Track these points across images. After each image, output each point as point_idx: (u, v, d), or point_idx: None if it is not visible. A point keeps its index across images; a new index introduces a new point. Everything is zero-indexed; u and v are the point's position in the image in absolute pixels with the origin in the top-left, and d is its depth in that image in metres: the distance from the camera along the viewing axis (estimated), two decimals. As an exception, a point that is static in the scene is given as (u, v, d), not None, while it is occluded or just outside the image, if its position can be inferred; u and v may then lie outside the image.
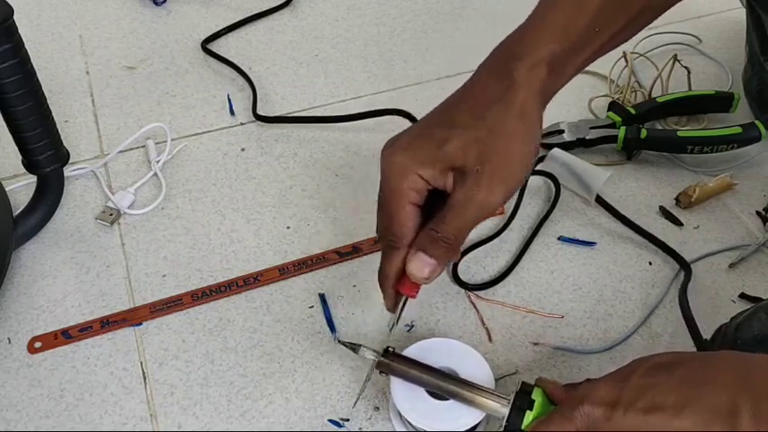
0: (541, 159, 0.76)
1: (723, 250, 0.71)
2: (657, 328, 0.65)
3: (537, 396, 0.52)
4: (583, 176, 0.74)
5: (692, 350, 0.62)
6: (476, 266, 0.70)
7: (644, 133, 0.77)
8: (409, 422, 0.56)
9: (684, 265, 0.68)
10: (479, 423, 0.55)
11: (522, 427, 0.51)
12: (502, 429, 0.52)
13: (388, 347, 0.56)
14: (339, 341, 0.58)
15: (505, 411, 0.52)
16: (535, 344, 0.64)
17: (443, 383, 0.54)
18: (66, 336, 0.64)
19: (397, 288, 0.56)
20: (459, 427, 0.54)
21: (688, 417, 0.43)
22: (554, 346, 0.63)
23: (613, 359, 0.63)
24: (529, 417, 0.51)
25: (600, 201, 0.73)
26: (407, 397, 0.55)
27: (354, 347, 0.56)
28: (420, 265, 0.52)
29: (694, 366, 0.46)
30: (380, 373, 0.56)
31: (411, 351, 0.58)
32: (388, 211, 0.53)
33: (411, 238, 0.53)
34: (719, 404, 0.43)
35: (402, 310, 0.57)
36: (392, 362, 0.56)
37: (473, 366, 0.57)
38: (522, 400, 0.52)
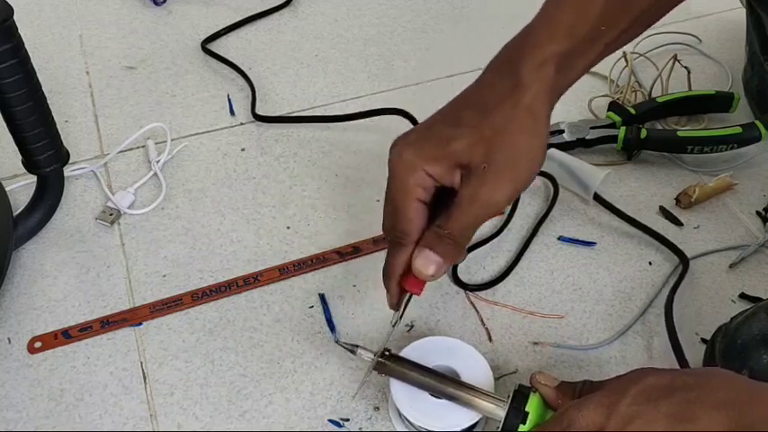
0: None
1: (723, 250, 0.71)
2: (657, 326, 0.65)
3: (531, 407, 0.52)
4: (580, 176, 0.74)
5: (690, 348, 0.62)
6: (476, 266, 0.70)
7: (644, 133, 0.77)
8: (409, 421, 0.56)
9: (683, 259, 0.68)
10: (477, 422, 0.55)
11: None
12: (499, 430, 0.52)
13: (385, 349, 0.56)
14: (338, 342, 0.58)
15: (502, 414, 0.52)
16: (535, 343, 0.64)
17: (440, 385, 0.54)
18: (66, 336, 0.64)
19: (402, 285, 0.55)
20: (458, 426, 0.54)
21: None
22: (554, 344, 0.63)
23: (613, 358, 0.63)
24: (523, 429, 0.51)
25: (598, 199, 0.73)
26: (407, 396, 0.55)
27: (353, 349, 0.56)
28: (426, 262, 0.52)
29: (684, 400, 0.45)
30: (378, 373, 0.56)
31: (410, 350, 0.58)
32: (394, 207, 0.53)
33: (418, 235, 0.53)
34: None
35: (405, 307, 0.57)
36: (389, 363, 0.56)
37: (472, 365, 0.57)
38: (518, 403, 0.52)
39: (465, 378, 0.56)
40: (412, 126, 0.78)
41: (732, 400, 0.44)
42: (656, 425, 0.44)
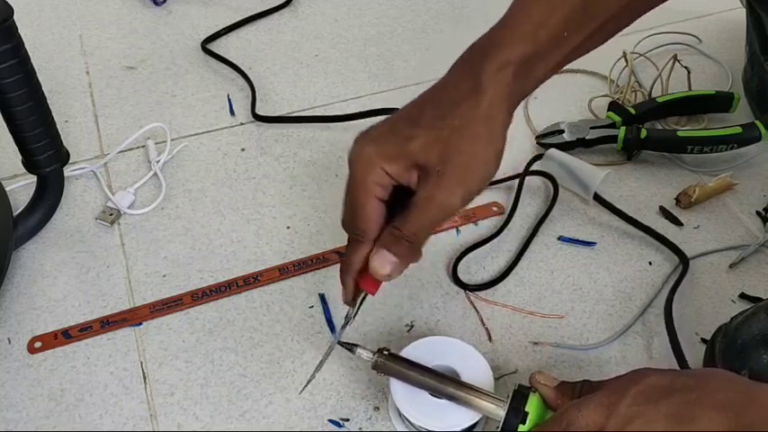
0: (539, 159, 0.76)
1: (723, 250, 0.71)
2: (657, 326, 0.65)
3: (531, 407, 0.52)
4: (580, 176, 0.74)
5: (690, 348, 0.62)
6: (476, 266, 0.70)
7: (644, 133, 0.77)
8: (409, 421, 0.56)
9: (683, 259, 0.68)
10: (478, 422, 0.55)
11: None
12: (498, 430, 0.52)
13: (384, 348, 0.56)
14: (339, 342, 0.58)
15: (501, 414, 0.52)
16: (535, 343, 0.64)
17: (439, 385, 0.54)
18: (66, 336, 0.64)
19: (358, 282, 0.55)
20: (459, 426, 0.54)
21: None
22: (553, 344, 0.63)
23: (613, 358, 0.63)
24: (523, 429, 0.51)
25: (598, 199, 0.73)
26: (407, 396, 0.55)
27: (351, 348, 0.56)
28: (382, 262, 0.53)
29: (684, 401, 0.45)
30: (377, 373, 0.56)
31: (411, 350, 0.58)
32: (353, 203, 0.53)
33: (375, 232, 0.53)
34: None
35: (360, 304, 0.57)
36: (388, 362, 0.56)
37: (472, 365, 0.57)
38: (518, 403, 0.52)
39: (465, 378, 0.56)
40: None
41: (732, 400, 0.44)
42: (656, 425, 0.44)
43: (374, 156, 0.51)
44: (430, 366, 0.56)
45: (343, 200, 0.54)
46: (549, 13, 0.52)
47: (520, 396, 0.52)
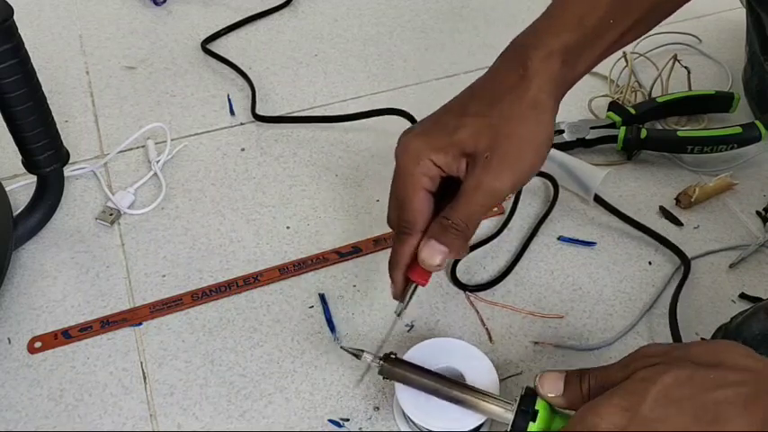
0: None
1: (723, 250, 0.71)
2: (658, 326, 0.65)
3: (540, 406, 0.51)
4: (580, 176, 0.74)
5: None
6: (475, 266, 0.70)
7: (644, 133, 0.77)
8: (413, 421, 0.56)
9: (684, 261, 0.68)
10: (483, 423, 0.55)
11: None
12: None
13: (390, 353, 0.56)
14: (342, 347, 0.57)
15: (509, 417, 0.52)
16: (535, 343, 0.64)
17: (446, 389, 0.54)
18: (66, 336, 0.64)
19: (408, 275, 0.55)
20: (464, 427, 0.54)
21: None
22: (554, 343, 0.63)
23: (613, 358, 0.63)
24: (532, 427, 0.51)
25: (598, 199, 0.73)
26: (411, 396, 0.55)
27: (357, 354, 0.56)
28: (431, 252, 0.52)
29: (709, 402, 0.44)
30: (384, 379, 0.56)
31: (415, 351, 0.58)
32: (401, 196, 0.53)
33: (424, 224, 0.53)
34: None
35: (410, 298, 0.57)
36: (394, 367, 0.55)
37: (477, 366, 0.57)
38: (526, 405, 0.51)
39: (470, 379, 0.56)
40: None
41: (759, 393, 0.44)
42: (684, 429, 0.43)
43: (422, 147, 0.52)
44: (435, 368, 0.56)
45: (390, 195, 0.54)
46: (592, 2, 0.53)
47: (528, 398, 0.52)
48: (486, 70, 0.54)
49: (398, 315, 0.58)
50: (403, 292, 0.57)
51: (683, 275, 0.67)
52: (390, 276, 0.56)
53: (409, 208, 0.53)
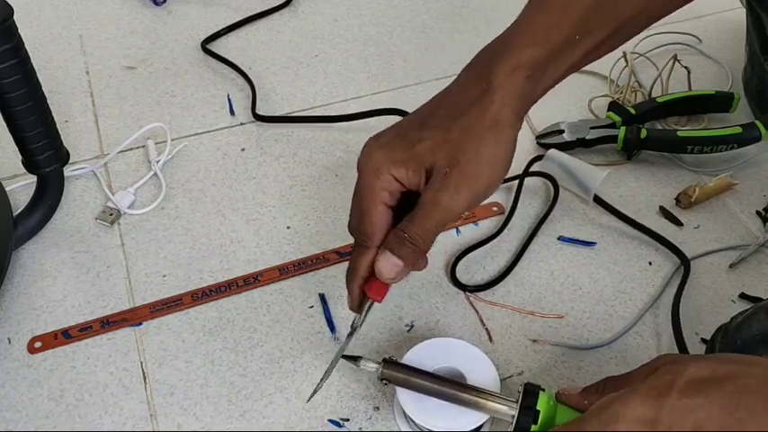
0: (539, 159, 0.76)
1: (723, 250, 0.71)
2: (658, 326, 0.65)
3: (541, 405, 0.52)
4: (580, 176, 0.74)
5: (691, 348, 0.62)
6: (475, 266, 0.70)
7: (644, 133, 0.77)
8: (414, 422, 0.56)
9: (685, 262, 0.68)
10: (484, 423, 0.55)
11: None
12: (511, 430, 0.52)
13: (388, 357, 0.56)
14: (343, 356, 0.57)
15: (513, 413, 0.52)
16: (534, 341, 0.63)
17: (449, 391, 0.54)
18: (66, 336, 0.64)
19: (365, 289, 0.55)
20: (465, 427, 0.54)
21: None
22: (553, 342, 0.63)
23: (613, 358, 0.63)
24: (535, 429, 0.51)
25: (598, 200, 0.73)
26: (412, 397, 0.55)
27: (355, 360, 0.56)
28: (387, 264, 0.52)
29: (733, 391, 0.43)
30: (384, 383, 0.56)
31: (415, 351, 0.58)
32: (360, 209, 0.53)
33: (381, 238, 0.53)
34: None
35: (367, 312, 0.56)
36: (394, 372, 0.55)
37: (477, 366, 0.57)
38: (529, 402, 0.52)
39: (471, 379, 0.56)
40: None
41: None
42: (712, 419, 0.43)
43: (383, 161, 0.51)
44: (435, 369, 0.56)
45: (351, 205, 0.54)
46: (561, 16, 0.52)
47: (530, 395, 0.52)
48: (452, 81, 0.54)
49: (352, 331, 0.57)
50: (360, 305, 0.56)
51: (684, 276, 0.67)
52: (347, 288, 0.56)
53: (367, 221, 0.53)
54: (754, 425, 0.42)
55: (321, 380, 0.57)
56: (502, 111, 0.50)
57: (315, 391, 0.57)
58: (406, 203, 0.53)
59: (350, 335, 0.57)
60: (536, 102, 0.54)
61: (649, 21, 0.57)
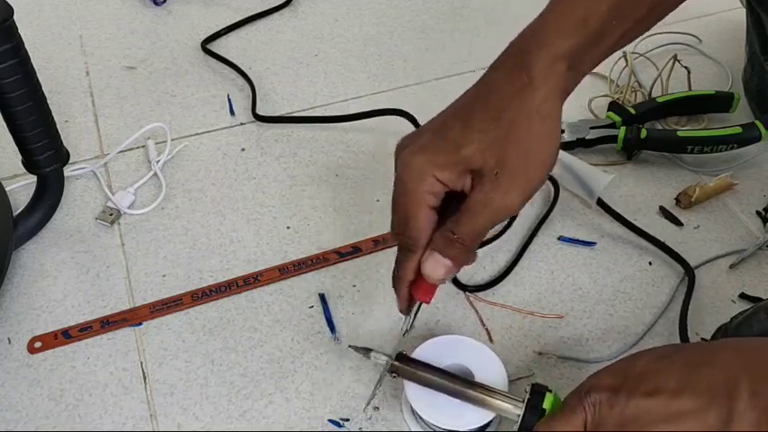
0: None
1: (725, 255, 0.70)
2: (661, 334, 0.65)
3: (548, 405, 0.52)
4: (584, 179, 0.74)
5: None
6: (475, 266, 0.70)
7: (644, 133, 0.77)
8: (423, 419, 0.56)
9: (688, 270, 0.68)
10: (492, 421, 0.56)
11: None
12: (516, 430, 0.52)
13: (399, 352, 0.56)
14: (350, 346, 0.57)
15: (519, 412, 0.52)
16: (540, 353, 0.63)
17: (457, 387, 0.54)
18: (66, 336, 0.64)
19: (412, 292, 0.55)
20: (472, 424, 0.55)
21: (687, 397, 0.44)
22: (559, 355, 0.63)
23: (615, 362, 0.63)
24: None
25: (600, 203, 0.73)
26: (420, 394, 0.55)
27: (366, 352, 0.56)
28: (435, 265, 0.52)
29: (695, 350, 0.47)
30: (392, 376, 0.56)
31: (425, 348, 0.58)
32: (404, 213, 0.52)
33: (427, 240, 0.52)
34: (717, 384, 0.44)
35: (416, 314, 0.57)
36: (404, 366, 0.56)
37: (486, 363, 0.57)
38: (535, 402, 0.52)
39: (479, 376, 0.56)
40: (412, 126, 0.78)
41: (746, 344, 0.47)
42: (672, 375, 0.45)
43: (426, 165, 0.50)
44: (444, 366, 0.56)
45: (392, 208, 0.53)
46: (595, 2, 0.51)
47: (537, 394, 0.52)
48: (485, 73, 0.53)
49: (404, 333, 0.57)
50: (408, 307, 0.56)
51: (689, 288, 0.66)
52: (395, 291, 0.56)
53: (414, 225, 0.52)
54: (714, 376, 0.44)
55: (372, 394, 0.58)
56: (545, 104, 0.50)
57: (367, 404, 0.59)
58: (446, 203, 0.52)
59: (404, 334, 0.57)
60: (573, 90, 0.53)
61: (678, 1, 0.56)
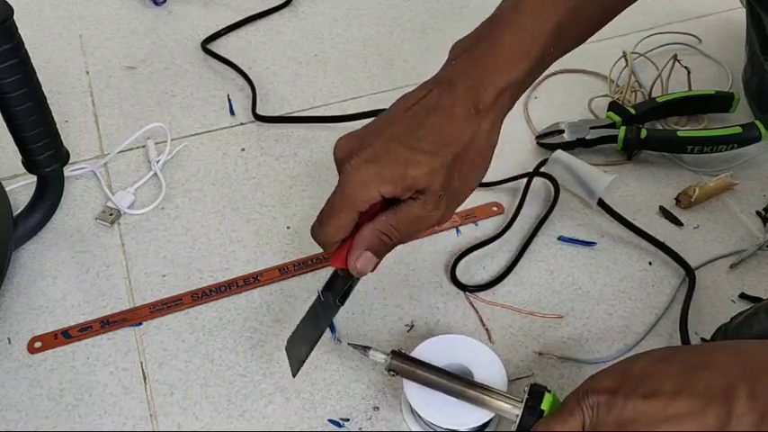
0: (544, 162, 0.76)
1: (725, 255, 0.70)
2: (663, 333, 0.65)
3: (546, 406, 0.52)
4: (585, 179, 0.74)
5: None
6: (475, 266, 0.70)
7: (644, 133, 0.77)
8: (422, 418, 0.56)
9: (687, 269, 0.68)
10: (491, 420, 0.56)
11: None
12: (515, 430, 0.52)
13: (397, 350, 0.56)
14: (349, 344, 0.58)
15: (517, 412, 0.52)
16: (540, 354, 0.63)
17: (456, 386, 0.54)
18: (66, 336, 0.64)
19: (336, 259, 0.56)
20: (470, 424, 0.55)
21: (685, 400, 0.44)
22: (559, 355, 0.63)
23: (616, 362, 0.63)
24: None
25: (600, 203, 0.73)
26: (419, 391, 0.55)
27: (364, 350, 0.56)
28: (366, 263, 0.54)
29: (693, 352, 0.48)
30: (390, 374, 0.56)
31: (424, 347, 0.58)
32: (335, 213, 0.53)
33: (344, 237, 0.54)
34: (715, 386, 0.44)
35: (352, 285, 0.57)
36: (403, 364, 0.56)
37: (485, 362, 0.57)
38: (534, 402, 0.52)
39: (479, 376, 0.56)
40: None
41: (737, 347, 0.47)
42: (670, 377, 0.45)
43: (372, 179, 0.52)
44: (443, 365, 0.57)
45: (325, 205, 0.54)
46: (540, 24, 0.55)
47: (536, 395, 0.52)
48: (437, 89, 0.54)
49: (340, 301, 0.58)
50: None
51: (689, 289, 0.66)
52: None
53: (338, 226, 0.53)
54: (712, 378, 0.45)
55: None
56: (491, 134, 0.54)
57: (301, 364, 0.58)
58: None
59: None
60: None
61: (613, 15, 0.61)
